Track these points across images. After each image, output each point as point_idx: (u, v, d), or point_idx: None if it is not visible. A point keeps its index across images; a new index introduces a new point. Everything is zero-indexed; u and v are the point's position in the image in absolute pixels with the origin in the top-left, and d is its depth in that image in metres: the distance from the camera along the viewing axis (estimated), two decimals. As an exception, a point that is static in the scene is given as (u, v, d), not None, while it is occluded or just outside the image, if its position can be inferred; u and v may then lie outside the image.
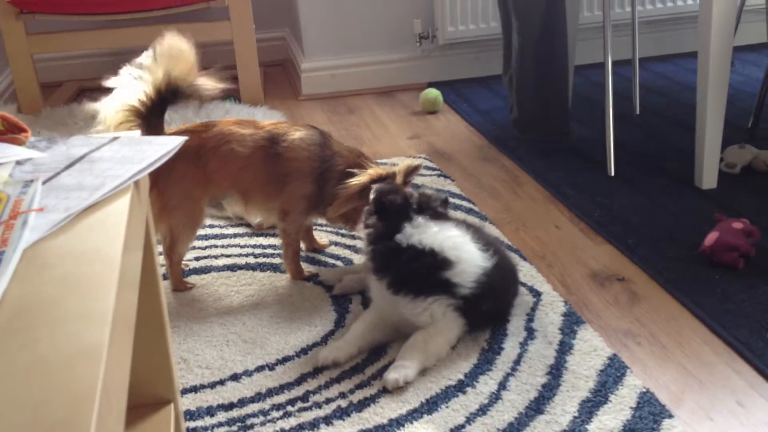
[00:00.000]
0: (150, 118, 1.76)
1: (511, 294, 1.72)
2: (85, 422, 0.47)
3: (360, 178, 1.78)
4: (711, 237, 1.85)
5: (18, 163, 0.87)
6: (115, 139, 0.95)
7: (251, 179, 1.82)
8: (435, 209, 1.65)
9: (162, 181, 1.76)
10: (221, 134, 1.80)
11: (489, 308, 1.63)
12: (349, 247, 2.04)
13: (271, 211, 1.90)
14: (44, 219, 0.74)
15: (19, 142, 0.92)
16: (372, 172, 1.79)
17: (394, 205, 1.63)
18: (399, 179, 1.78)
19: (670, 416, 1.36)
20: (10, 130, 0.93)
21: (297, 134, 1.83)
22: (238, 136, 1.80)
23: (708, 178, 2.24)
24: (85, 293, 0.62)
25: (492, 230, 2.06)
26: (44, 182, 0.82)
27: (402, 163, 1.80)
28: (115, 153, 0.90)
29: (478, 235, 1.68)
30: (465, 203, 2.25)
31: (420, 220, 1.61)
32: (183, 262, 1.94)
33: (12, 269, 0.65)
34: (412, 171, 1.79)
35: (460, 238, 1.62)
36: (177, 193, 1.79)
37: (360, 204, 1.76)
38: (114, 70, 1.76)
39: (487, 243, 1.66)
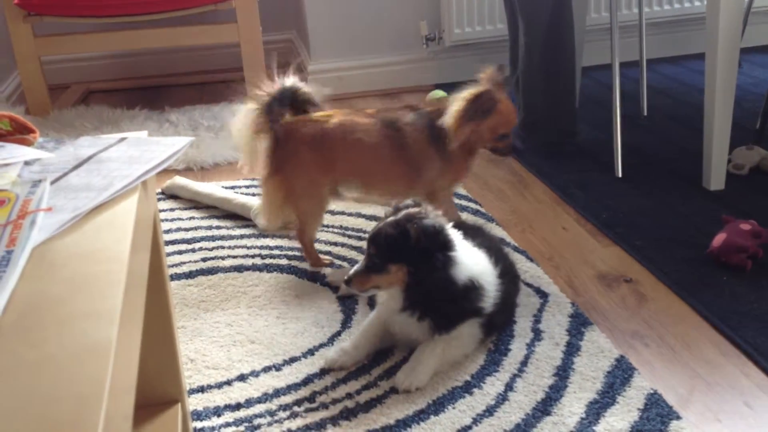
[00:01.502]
0: (274, 110, 1.85)
1: (516, 296, 1.72)
2: (92, 420, 0.48)
3: (460, 104, 1.80)
4: (719, 238, 1.85)
5: (26, 163, 0.87)
6: (122, 139, 0.96)
7: (382, 168, 1.88)
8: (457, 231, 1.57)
9: (287, 167, 1.84)
10: (345, 124, 1.86)
11: (502, 317, 1.63)
12: (355, 248, 2.04)
13: (400, 195, 1.91)
14: (52, 219, 0.74)
15: (28, 143, 0.92)
16: (467, 95, 1.81)
17: (434, 240, 1.48)
18: (495, 90, 1.82)
19: (678, 418, 1.36)
20: (19, 131, 0.94)
21: (405, 119, 1.87)
22: (363, 126, 1.86)
23: (716, 179, 2.24)
24: (92, 292, 0.62)
25: (498, 232, 2.06)
26: (52, 182, 0.82)
27: (483, 75, 1.85)
28: (122, 153, 0.91)
29: (481, 240, 1.66)
30: (472, 204, 2.25)
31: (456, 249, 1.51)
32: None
33: (20, 268, 0.65)
34: (498, 76, 1.84)
35: (484, 261, 1.59)
36: (301, 180, 1.86)
37: (475, 124, 1.80)
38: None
39: (490, 249, 1.65)
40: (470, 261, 1.53)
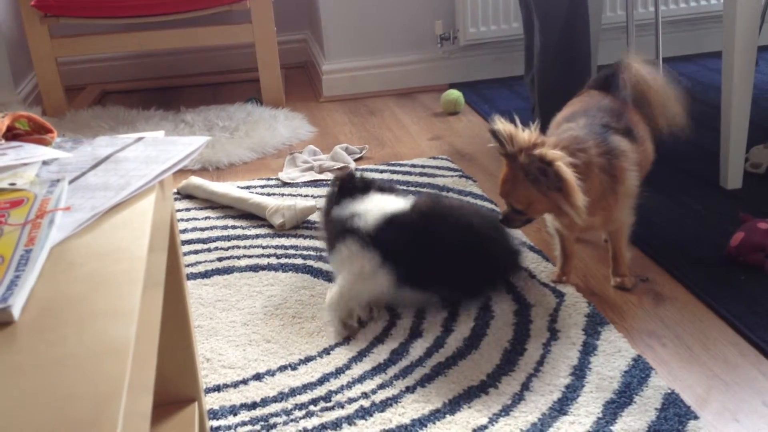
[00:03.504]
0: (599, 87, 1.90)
1: (471, 247, 1.74)
2: (112, 419, 0.48)
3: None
4: (736, 237, 1.83)
5: (44, 163, 0.88)
6: (139, 139, 0.96)
7: None
8: (380, 187, 1.86)
9: None
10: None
11: (427, 254, 1.70)
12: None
13: None
14: (70, 218, 0.74)
15: (46, 143, 0.93)
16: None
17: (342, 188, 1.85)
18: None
19: (696, 417, 1.35)
20: (37, 131, 0.94)
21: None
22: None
23: (733, 178, 2.22)
24: (111, 291, 0.62)
25: (515, 231, 2.05)
26: (70, 182, 0.82)
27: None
28: (139, 153, 0.91)
29: (436, 199, 1.83)
30: (487, 204, 2.24)
31: (359, 196, 1.81)
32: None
33: (39, 267, 0.66)
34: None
35: (383, 198, 1.80)
36: None
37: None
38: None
39: (437, 205, 1.79)
40: (364, 200, 1.79)
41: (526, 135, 1.63)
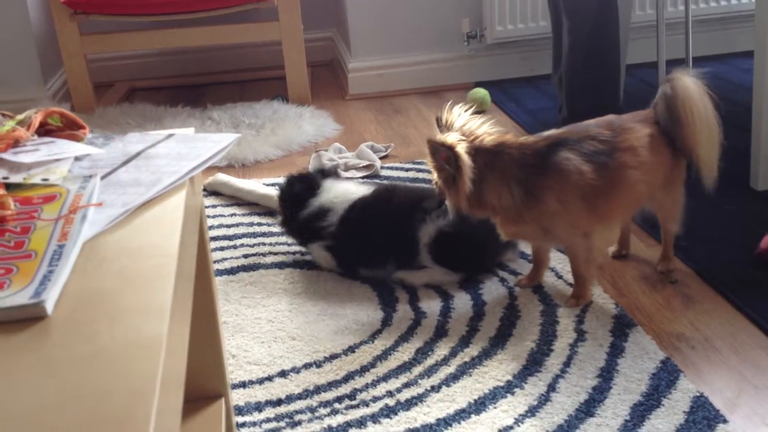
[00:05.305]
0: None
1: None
2: (145, 415, 0.48)
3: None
4: (767, 239, 1.81)
5: (76, 159, 0.88)
6: (170, 136, 0.97)
7: None
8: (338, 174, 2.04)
9: None
10: None
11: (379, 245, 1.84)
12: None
13: None
14: (103, 214, 0.75)
15: (78, 139, 0.93)
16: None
17: (293, 192, 1.95)
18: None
19: (725, 421, 1.34)
20: (69, 127, 0.95)
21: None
22: None
23: (763, 179, 2.20)
24: (143, 287, 0.63)
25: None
26: (102, 178, 0.83)
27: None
28: (170, 150, 0.91)
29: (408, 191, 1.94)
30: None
31: (327, 183, 1.94)
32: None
33: (72, 262, 0.66)
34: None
35: (351, 187, 1.93)
36: None
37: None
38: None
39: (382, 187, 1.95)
40: (332, 190, 1.91)
41: (468, 125, 1.63)
